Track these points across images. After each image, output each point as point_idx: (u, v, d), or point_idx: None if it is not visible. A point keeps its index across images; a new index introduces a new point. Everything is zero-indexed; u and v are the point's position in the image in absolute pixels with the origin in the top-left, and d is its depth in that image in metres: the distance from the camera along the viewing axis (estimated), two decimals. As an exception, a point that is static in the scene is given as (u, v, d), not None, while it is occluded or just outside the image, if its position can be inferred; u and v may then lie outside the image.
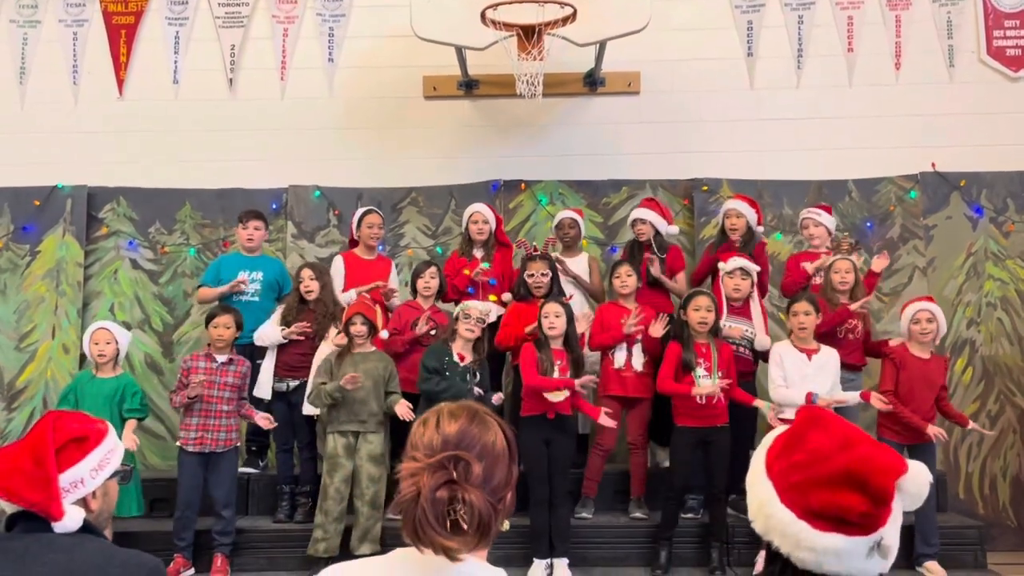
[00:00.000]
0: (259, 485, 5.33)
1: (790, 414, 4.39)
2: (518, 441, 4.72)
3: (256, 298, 5.49)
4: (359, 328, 4.76)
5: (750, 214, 5.37)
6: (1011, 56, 6.42)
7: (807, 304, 4.69)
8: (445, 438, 1.35)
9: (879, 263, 5.18)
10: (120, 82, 6.59)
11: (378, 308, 5.08)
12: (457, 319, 4.80)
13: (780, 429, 1.41)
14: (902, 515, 1.29)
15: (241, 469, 5.40)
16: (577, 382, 4.56)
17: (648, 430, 5.16)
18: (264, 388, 5.08)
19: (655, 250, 5.42)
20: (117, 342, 4.80)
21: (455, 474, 1.29)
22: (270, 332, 5.10)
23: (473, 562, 1.34)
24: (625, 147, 6.40)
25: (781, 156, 6.30)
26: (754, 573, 4.49)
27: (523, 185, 6.38)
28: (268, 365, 5.11)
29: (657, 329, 4.87)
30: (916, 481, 1.26)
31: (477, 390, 4.61)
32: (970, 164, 6.20)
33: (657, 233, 5.44)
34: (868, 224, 6.21)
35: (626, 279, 5.12)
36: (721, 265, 5.10)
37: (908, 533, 4.55)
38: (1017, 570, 4.89)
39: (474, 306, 4.84)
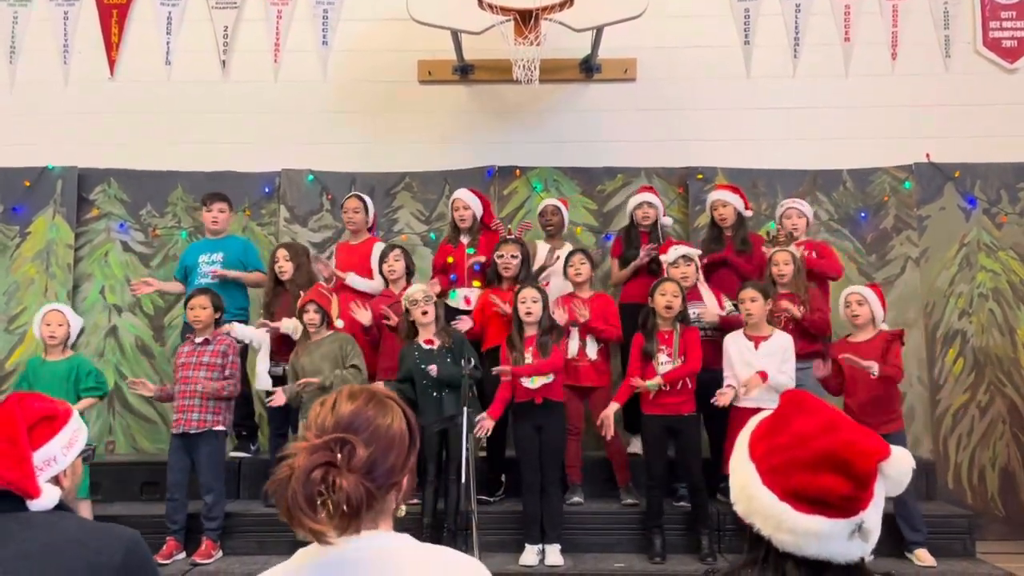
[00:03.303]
0: (251, 469, 5.32)
1: (757, 399, 4.41)
2: (511, 428, 4.65)
3: (215, 280, 5.41)
4: (312, 316, 4.77)
5: (736, 201, 5.38)
6: (1007, 47, 6.43)
7: (753, 291, 4.69)
8: (337, 419, 1.34)
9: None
10: (111, 63, 6.53)
11: (334, 297, 5.00)
12: (408, 312, 4.77)
13: (765, 413, 1.40)
14: (884, 501, 1.29)
15: (232, 453, 5.40)
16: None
17: (621, 417, 5.19)
18: (263, 380, 5.04)
19: (659, 236, 5.42)
20: (69, 325, 4.77)
21: (338, 457, 1.28)
22: (248, 331, 5.10)
23: (370, 534, 1.33)
24: (620, 134, 6.38)
25: (776, 145, 6.30)
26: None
27: (518, 171, 6.36)
28: (263, 356, 5.07)
29: (584, 313, 4.86)
30: (898, 466, 1.26)
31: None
32: (964, 155, 6.21)
33: (656, 219, 5.45)
34: (862, 214, 6.22)
35: (579, 267, 5.10)
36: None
37: (893, 521, 4.57)
38: (1005, 559, 4.91)
39: (414, 290, 4.80)
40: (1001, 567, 4.63)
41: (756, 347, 4.64)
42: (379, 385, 4.65)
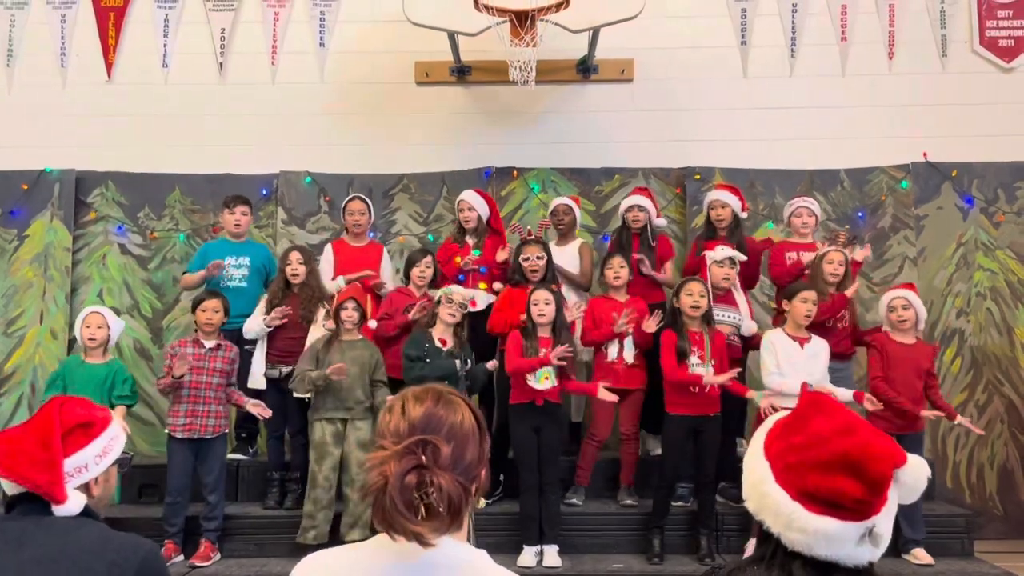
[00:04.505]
0: (249, 471, 5.32)
1: (785, 402, 4.43)
2: (508, 429, 4.66)
3: (243, 284, 5.42)
4: (350, 313, 4.74)
5: (734, 202, 5.38)
6: (1003, 47, 6.43)
7: (814, 293, 4.71)
8: (411, 423, 1.35)
9: (861, 254, 5.21)
10: (109, 65, 6.54)
11: (367, 297, 5.06)
12: (439, 303, 4.77)
13: (782, 413, 1.40)
14: (897, 508, 1.29)
15: (231, 455, 5.40)
16: (552, 355, 4.50)
17: (640, 419, 5.18)
18: (257, 379, 5.05)
19: (649, 238, 5.42)
20: (109, 327, 4.77)
21: (424, 458, 1.29)
22: (254, 324, 5.06)
23: (451, 543, 1.34)
24: (618, 135, 6.39)
25: (774, 145, 6.30)
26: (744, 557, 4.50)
27: (515, 172, 6.36)
28: (259, 356, 5.08)
29: (651, 325, 4.85)
30: (914, 474, 1.27)
31: (459, 367, 4.53)
32: (962, 154, 6.21)
33: (648, 221, 5.44)
34: (860, 214, 6.22)
35: (619, 271, 5.09)
36: (709, 254, 5.10)
37: (895, 519, 4.57)
38: (1003, 558, 4.91)
39: (457, 291, 4.81)
40: (999, 566, 4.63)
41: (801, 347, 4.65)
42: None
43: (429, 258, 5.24)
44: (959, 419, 4.78)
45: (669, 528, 4.77)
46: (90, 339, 4.70)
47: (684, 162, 6.32)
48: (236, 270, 5.47)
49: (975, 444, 5.95)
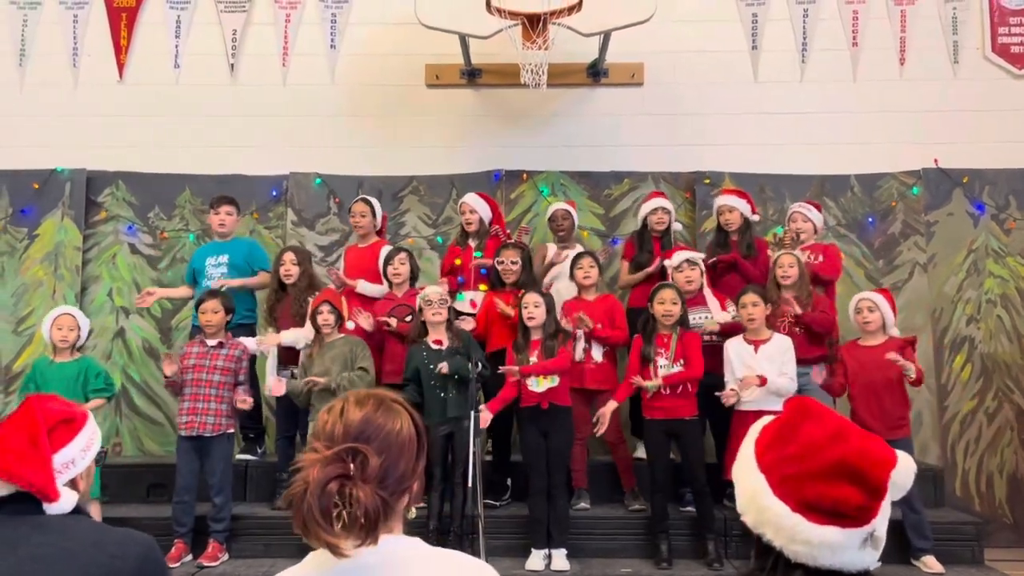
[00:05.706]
0: (257, 472, 5.33)
1: (759, 401, 4.46)
2: (518, 433, 4.64)
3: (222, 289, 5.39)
4: (326, 317, 4.77)
5: (742, 205, 5.37)
6: (1015, 53, 6.41)
7: (754, 295, 4.71)
8: (347, 427, 1.33)
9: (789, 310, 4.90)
10: (120, 66, 6.55)
11: (344, 300, 5.01)
12: (421, 310, 4.78)
13: (767, 419, 1.39)
14: (890, 507, 1.29)
15: (239, 456, 5.41)
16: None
17: (628, 422, 5.19)
18: (272, 385, 5.05)
19: (671, 240, 5.42)
20: (80, 328, 4.80)
21: (351, 467, 1.27)
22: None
23: (388, 538, 1.32)
24: (628, 139, 6.38)
25: (784, 150, 6.29)
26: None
27: (525, 175, 6.36)
28: (271, 361, 5.08)
29: (588, 323, 4.85)
30: (904, 473, 1.27)
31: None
32: (973, 161, 6.19)
33: (669, 223, 5.45)
34: (870, 220, 6.21)
35: (588, 271, 5.08)
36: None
37: (900, 528, 4.55)
38: (1013, 566, 4.90)
39: (431, 291, 4.82)
40: (1009, 574, 4.61)
41: (755, 351, 4.65)
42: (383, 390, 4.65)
43: (403, 255, 5.22)
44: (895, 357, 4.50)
45: (677, 533, 4.75)
46: (62, 341, 4.73)
47: (694, 166, 6.31)
48: (215, 269, 5.47)
49: (985, 452, 5.92)
